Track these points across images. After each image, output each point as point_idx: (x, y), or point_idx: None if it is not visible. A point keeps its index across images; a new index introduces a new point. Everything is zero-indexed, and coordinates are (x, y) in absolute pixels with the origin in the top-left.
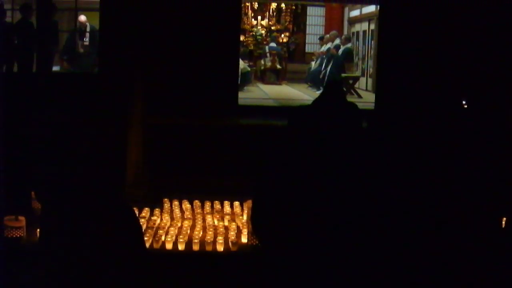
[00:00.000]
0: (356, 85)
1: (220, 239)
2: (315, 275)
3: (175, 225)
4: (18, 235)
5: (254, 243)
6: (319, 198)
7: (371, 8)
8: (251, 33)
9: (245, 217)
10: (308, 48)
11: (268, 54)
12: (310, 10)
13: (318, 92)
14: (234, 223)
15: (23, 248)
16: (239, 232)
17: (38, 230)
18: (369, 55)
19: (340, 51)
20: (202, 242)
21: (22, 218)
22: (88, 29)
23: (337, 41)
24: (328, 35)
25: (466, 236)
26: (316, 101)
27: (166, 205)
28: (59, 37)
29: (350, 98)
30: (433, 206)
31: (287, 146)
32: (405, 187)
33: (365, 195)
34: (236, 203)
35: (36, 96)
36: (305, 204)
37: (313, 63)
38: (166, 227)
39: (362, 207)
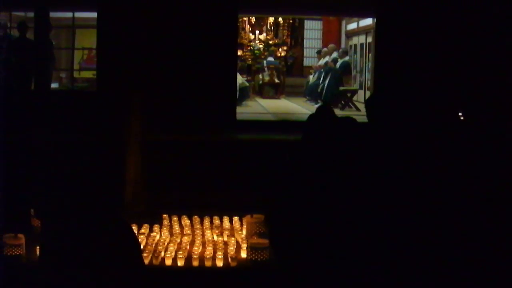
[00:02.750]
0: (354, 98)
1: (219, 254)
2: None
3: (174, 241)
4: (18, 253)
5: (254, 258)
6: (330, 209)
7: (368, 21)
8: (249, 48)
9: (244, 232)
10: (306, 62)
11: (266, 69)
12: (308, 24)
13: (317, 106)
14: (233, 238)
15: (23, 266)
16: (238, 247)
17: (38, 247)
18: (366, 68)
19: (338, 65)
20: (202, 257)
21: (21, 236)
22: None
23: (335, 54)
24: (325, 49)
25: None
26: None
27: (165, 221)
28: (55, 54)
29: (348, 111)
30: (428, 219)
31: (299, 160)
32: (401, 201)
33: (368, 204)
34: (235, 218)
35: (35, 114)
36: (318, 215)
37: (311, 76)
38: (166, 243)
39: (367, 215)
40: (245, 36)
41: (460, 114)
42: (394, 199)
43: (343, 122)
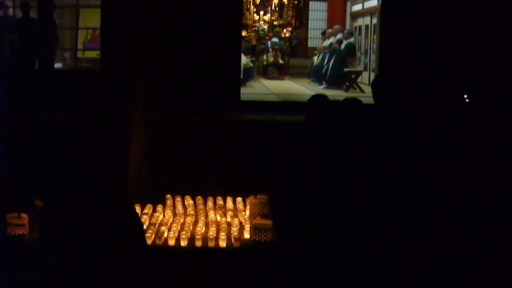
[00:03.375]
0: (359, 80)
1: (222, 235)
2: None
3: (177, 221)
4: (21, 233)
5: (257, 239)
6: (332, 193)
7: (373, 2)
8: (253, 28)
9: (247, 213)
10: (311, 43)
11: (270, 49)
12: (313, 5)
13: (321, 87)
14: (236, 219)
15: (26, 245)
16: (241, 228)
17: (39, 227)
18: (371, 49)
19: (342, 46)
20: (205, 238)
21: (24, 215)
22: None
23: (340, 35)
24: (330, 30)
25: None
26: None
27: (169, 201)
28: (58, 34)
29: (352, 93)
30: (433, 202)
31: (303, 141)
32: (406, 182)
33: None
34: (239, 199)
35: (38, 93)
36: (320, 198)
37: (315, 57)
38: (169, 223)
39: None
40: (249, 16)
41: (465, 96)
42: (398, 182)
43: (349, 103)
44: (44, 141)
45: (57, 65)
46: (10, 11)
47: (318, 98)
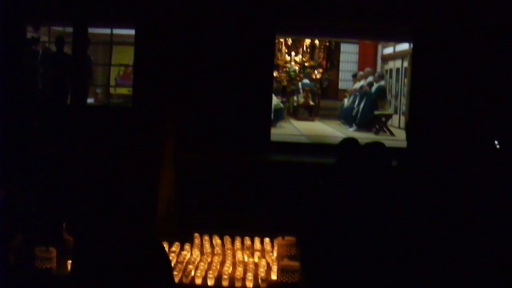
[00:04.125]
0: (389, 123)
1: (249, 275)
2: None
3: (205, 260)
4: (49, 266)
5: (284, 281)
6: (359, 235)
7: (404, 46)
8: (284, 69)
9: (275, 253)
10: (341, 85)
11: (301, 90)
12: (344, 47)
13: (351, 129)
14: (264, 260)
15: (54, 279)
16: (269, 268)
17: (70, 262)
18: (402, 92)
19: (373, 89)
20: (232, 278)
21: (53, 249)
22: None
23: (371, 78)
24: (361, 72)
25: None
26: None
27: (197, 240)
28: (92, 70)
29: (382, 136)
30: (463, 246)
31: (332, 184)
32: (435, 225)
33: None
34: (267, 240)
35: (70, 129)
36: (348, 240)
37: (346, 100)
38: (196, 262)
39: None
40: (281, 57)
41: (496, 142)
42: (425, 225)
43: (372, 147)
44: (74, 177)
45: (89, 101)
46: (45, 46)
47: (348, 142)
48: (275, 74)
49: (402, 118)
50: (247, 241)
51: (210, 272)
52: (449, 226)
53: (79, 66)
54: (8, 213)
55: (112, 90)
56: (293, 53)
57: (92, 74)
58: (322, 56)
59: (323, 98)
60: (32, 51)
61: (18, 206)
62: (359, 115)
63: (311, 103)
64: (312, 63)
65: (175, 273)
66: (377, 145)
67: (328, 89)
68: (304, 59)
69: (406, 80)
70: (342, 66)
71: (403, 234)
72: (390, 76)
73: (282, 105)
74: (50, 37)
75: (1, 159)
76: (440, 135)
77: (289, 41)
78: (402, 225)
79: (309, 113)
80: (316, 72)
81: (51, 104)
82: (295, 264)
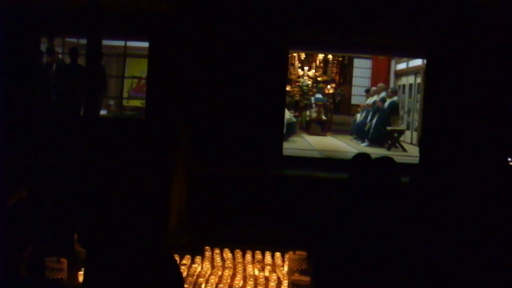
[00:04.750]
0: (401, 138)
1: None
2: None
3: (215, 274)
4: (60, 277)
5: None
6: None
7: (417, 62)
8: (297, 84)
9: (286, 268)
10: (354, 100)
11: (313, 105)
12: (357, 62)
13: (363, 145)
14: (274, 274)
15: None
16: (279, 283)
17: (82, 273)
18: (414, 108)
19: (386, 104)
20: None
21: (64, 260)
22: None
23: (383, 93)
24: (374, 88)
25: None
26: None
27: (208, 253)
28: (107, 81)
29: (394, 152)
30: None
31: (344, 199)
32: (447, 242)
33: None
34: (277, 254)
35: (82, 140)
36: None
37: (358, 115)
38: (207, 275)
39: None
40: (294, 71)
41: (509, 159)
42: (437, 242)
43: (380, 162)
44: (86, 188)
45: (102, 112)
46: (59, 57)
47: (361, 157)
48: (288, 88)
49: (415, 134)
50: (258, 255)
51: (221, 285)
52: (462, 244)
53: (92, 78)
54: (19, 224)
55: (125, 102)
56: (306, 68)
57: (107, 86)
58: (335, 71)
59: (336, 113)
60: (46, 61)
61: (30, 217)
62: (371, 130)
63: (324, 117)
64: (325, 78)
65: (185, 286)
66: (385, 160)
67: (340, 104)
68: (317, 73)
69: (419, 96)
70: (355, 81)
71: (415, 251)
72: (403, 92)
73: (294, 120)
74: (64, 48)
75: (13, 170)
76: (453, 151)
77: (302, 56)
78: (414, 242)
79: (322, 127)
80: (329, 87)
81: (64, 115)
82: (306, 278)
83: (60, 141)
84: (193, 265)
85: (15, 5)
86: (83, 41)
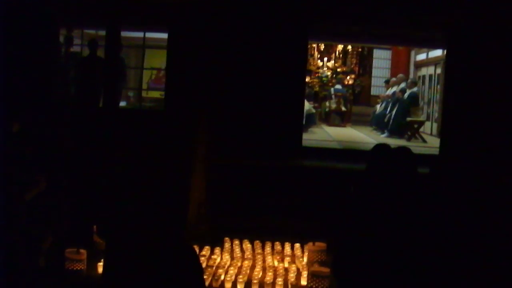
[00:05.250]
0: (421, 129)
1: (279, 280)
2: None
3: (235, 265)
4: (79, 268)
5: (314, 286)
6: (391, 243)
7: (437, 52)
8: (316, 75)
9: (305, 259)
10: (374, 91)
11: (333, 96)
12: (377, 53)
13: (383, 136)
14: (294, 265)
15: (84, 281)
16: (299, 274)
17: (101, 264)
18: (434, 99)
19: (405, 95)
20: (262, 283)
21: (83, 251)
22: None
23: (403, 84)
24: (394, 78)
25: None
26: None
27: (227, 244)
28: (126, 73)
29: (414, 142)
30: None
31: (363, 191)
32: (468, 233)
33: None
34: (297, 245)
35: (101, 132)
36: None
37: (378, 106)
38: (226, 266)
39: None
40: (313, 62)
41: None
42: (457, 233)
43: (397, 153)
44: (106, 179)
45: (121, 104)
46: (78, 49)
47: (381, 148)
48: (307, 79)
49: (435, 125)
50: (278, 246)
51: (240, 276)
52: (483, 236)
53: (111, 69)
54: (38, 215)
55: (144, 94)
56: (325, 59)
57: (126, 77)
58: (354, 62)
59: (355, 104)
60: (65, 52)
61: (49, 208)
62: (391, 121)
63: (343, 108)
64: (344, 68)
65: (204, 277)
66: (403, 150)
67: (360, 95)
68: (336, 64)
69: (439, 86)
70: (374, 72)
71: (435, 242)
72: (423, 83)
73: (314, 111)
74: (83, 40)
75: (33, 161)
76: (473, 142)
77: (322, 47)
78: (435, 233)
79: (341, 118)
80: (348, 78)
81: (83, 107)
82: (325, 270)
83: (79, 133)
84: (212, 256)
85: None
86: (102, 33)
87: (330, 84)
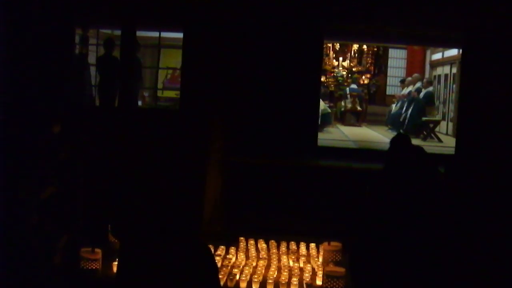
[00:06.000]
0: (437, 129)
1: (294, 280)
2: None
3: (250, 264)
4: (94, 267)
5: (329, 286)
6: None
7: (453, 52)
8: (332, 74)
9: (320, 259)
10: (389, 91)
11: (348, 96)
12: (392, 52)
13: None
14: (309, 265)
15: (99, 280)
16: (314, 274)
17: (116, 263)
18: (450, 99)
19: (421, 95)
20: (277, 282)
21: (98, 250)
22: None
23: (419, 84)
24: (409, 78)
25: None
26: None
27: (242, 244)
28: (142, 73)
29: (430, 142)
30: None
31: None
32: (484, 233)
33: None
34: (312, 245)
35: (118, 131)
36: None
37: (393, 105)
38: (241, 266)
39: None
40: (328, 62)
41: None
42: (475, 232)
43: (414, 152)
44: (121, 178)
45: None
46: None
47: (400, 139)
48: (322, 79)
49: (450, 125)
50: (293, 246)
51: (255, 276)
52: (499, 236)
53: (127, 69)
54: (54, 214)
55: (159, 93)
56: (340, 58)
57: (142, 77)
58: (370, 61)
59: (371, 104)
60: (80, 52)
61: (64, 207)
62: (407, 121)
63: (359, 108)
64: (360, 68)
65: (220, 276)
66: (417, 150)
67: (375, 94)
68: (352, 64)
69: (454, 86)
70: (390, 71)
71: (451, 242)
72: (439, 82)
73: (329, 110)
74: (98, 39)
75: (49, 160)
76: (489, 142)
77: (337, 46)
78: (451, 233)
79: (357, 118)
80: (363, 77)
81: (99, 106)
82: (341, 269)
83: (94, 132)
84: (227, 256)
85: None
86: (117, 32)
87: (346, 83)
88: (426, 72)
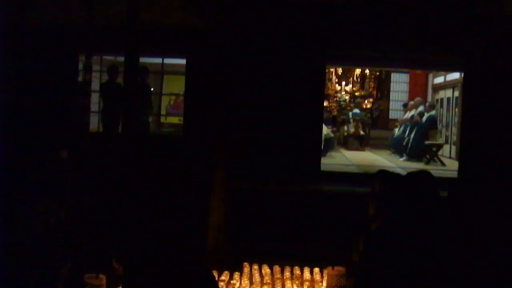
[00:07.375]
0: (440, 153)
1: None
2: None
3: None
4: None
5: None
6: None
7: (455, 75)
8: (335, 99)
9: (324, 284)
10: (392, 115)
11: (351, 120)
12: (395, 77)
13: (401, 159)
14: None
15: None
16: None
17: None
18: (453, 122)
19: (424, 118)
20: None
21: (102, 276)
22: None
23: (421, 108)
24: (412, 102)
25: None
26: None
27: (246, 269)
28: (151, 100)
29: (433, 166)
30: None
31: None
32: (489, 257)
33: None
34: (316, 270)
35: (121, 157)
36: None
37: (396, 129)
38: None
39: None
40: (331, 87)
41: None
42: (478, 257)
43: (418, 176)
44: (124, 205)
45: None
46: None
47: (386, 176)
48: (325, 104)
49: (453, 148)
50: (297, 271)
51: None
52: (504, 259)
53: (130, 95)
54: (58, 240)
55: (163, 119)
56: (343, 83)
57: (152, 104)
58: (372, 85)
59: (374, 128)
60: (84, 79)
61: (69, 233)
62: (409, 145)
63: (362, 132)
64: (362, 92)
65: None
66: (422, 174)
67: (378, 118)
68: (354, 88)
69: (457, 109)
70: (392, 95)
71: (456, 266)
72: (441, 106)
73: (332, 135)
74: (102, 66)
75: (55, 186)
76: (492, 165)
77: (340, 71)
78: (455, 256)
79: (360, 142)
80: (366, 101)
81: (103, 132)
82: None
83: (99, 158)
84: (231, 281)
85: (53, 23)
86: (121, 59)
87: (348, 108)
88: (429, 96)
